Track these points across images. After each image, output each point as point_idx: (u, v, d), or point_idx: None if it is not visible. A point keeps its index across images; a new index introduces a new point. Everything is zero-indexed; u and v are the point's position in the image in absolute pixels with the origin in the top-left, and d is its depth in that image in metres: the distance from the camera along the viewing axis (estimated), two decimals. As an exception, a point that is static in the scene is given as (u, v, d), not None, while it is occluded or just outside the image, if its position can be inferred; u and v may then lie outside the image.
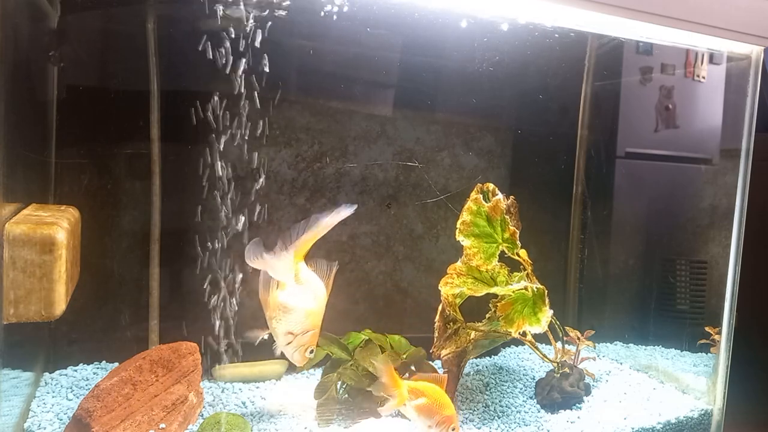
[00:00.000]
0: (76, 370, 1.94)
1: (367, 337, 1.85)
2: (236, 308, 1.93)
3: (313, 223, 1.56)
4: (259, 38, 1.75)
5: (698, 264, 2.51)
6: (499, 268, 1.93)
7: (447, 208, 2.29)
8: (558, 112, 2.57)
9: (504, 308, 1.88)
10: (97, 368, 1.96)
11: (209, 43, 1.73)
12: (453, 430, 1.54)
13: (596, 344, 2.22)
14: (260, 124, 1.97)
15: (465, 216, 1.94)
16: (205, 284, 1.90)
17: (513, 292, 1.86)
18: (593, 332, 2.15)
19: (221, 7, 1.70)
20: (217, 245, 1.89)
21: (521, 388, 2.10)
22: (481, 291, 1.82)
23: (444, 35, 2.11)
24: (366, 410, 1.76)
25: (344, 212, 1.58)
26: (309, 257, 1.64)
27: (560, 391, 1.97)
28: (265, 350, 2.00)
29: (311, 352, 1.61)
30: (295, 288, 1.59)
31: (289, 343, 1.59)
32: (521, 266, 1.95)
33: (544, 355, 2.04)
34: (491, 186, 1.95)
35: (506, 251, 1.94)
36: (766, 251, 2.41)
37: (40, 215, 1.45)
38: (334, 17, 1.98)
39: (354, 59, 2.16)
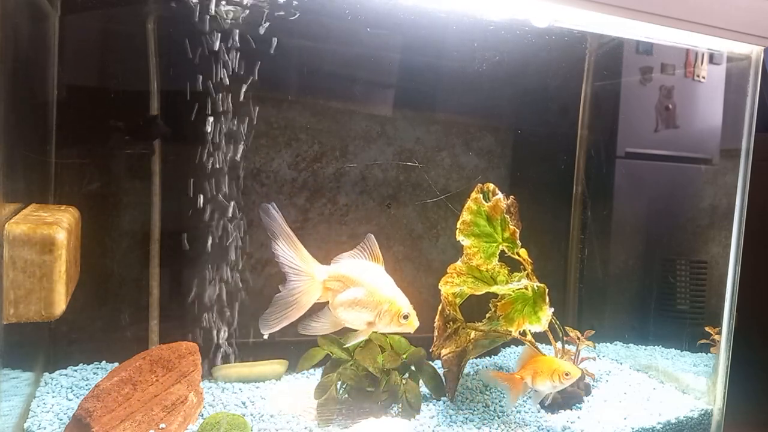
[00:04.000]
0: (76, 370, 1.94)
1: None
2: (237, 307, 1.93)
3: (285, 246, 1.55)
4: (257, 39, 1.75)
5: (698, 264, 2.51)
6: (499, 267, 1.93)
7: (447, 208, 2.29)
8: (558, 112, 2.57)
9: (504, 307, 1.88)
10: (97, 368, 1.96)
11: (209, 43, 1.73)
12: (567, 375, 1.75)
13: (596, 344, 2.22)
14: (260, 124, 1.97)
15: (465, 216, 1.94)
16: (206, 284, 1.90)
17: (513, 291, 1.86)
18: (593, 332, 2.15)
19: (222, 8, 1.70)
20: (216, 245, 1.89)
21: (521, 388, 2.10)
22: (482, 290, 1.82)
23: (444, 35, 2.11)
24: (366, 410, 1.76)
25: (271, 214, 1.55)
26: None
27: (560, 391, 1.97)
28: (266, 350, 2.01)
29: (405, 317, 1.56)
30: (333, 293, 1.58)
31: (377, 328, 1.58)
32: (521, 266, 1.95)
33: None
34: (491, 186, 1.95)
35: (506, 251, 1.94)
36: (766, 251, 2.41)
37: (40, 215, 1.45)
38: (335, 17, 1.99)
39: (354, 59, 2.16)
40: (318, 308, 1.63)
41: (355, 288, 1.57)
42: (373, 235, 1.65)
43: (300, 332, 1.61)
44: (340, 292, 1.57)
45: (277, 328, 1.54)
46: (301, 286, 1.55)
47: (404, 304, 1.59)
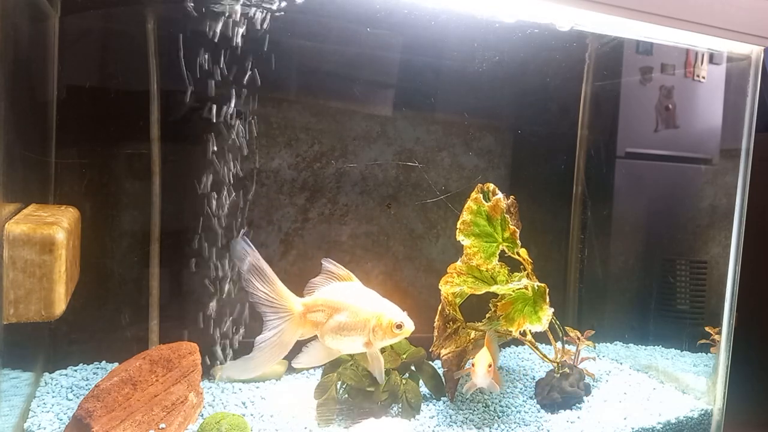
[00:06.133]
0: (76, 370, 1.94)
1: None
2: (237, 307, 1.93)
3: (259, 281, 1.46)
4: (257, 39, 1.75)
5: (698, 264, 2.51)
6: (499, 267, 1.93)
7: (447, 208, 2.29)
8: (558, 112, 2.57)
9: (505, 307, 1.88)
10: (97, 368, 1.96)
11: (209, 43, 1.73)
12: (490, 366, 1.71)
13: (596, 344, 2.22)
14: (260, 124, 1.97)
15: (465, 215, 1.94)
16: (206, 284, 1.90)
17: (513, 291, 1.86)
18: (593, 332, 2.15)
19: (222, 8, 1.70)
20: (216, 245, 1.89)
21: (521, 388, 2.10)
22: (482, 290, 1.82)
23: (444, 35, 2.11)
24: (366, 410, 1.76)
25: (242, 246, 1.45)
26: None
27: (560, 391, 1.97)
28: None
29: (399, 326, 1.50)
30: (316, 325, 1.51)
31: (376, 345, 1.52)
32: (521, 266, 1.95)
33: (544, 355, 2.04)
34: (491, 186, 1.95)
35: (506, 250, 1.94)
36: (766, 251, 2.41)
37: (40, 215, 1.45)
38: (335, 17, 1.99)
39: (354, 59, 2.16)
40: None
41: (337, 314, 1.50)
42: (329, 259, 1.58)
43: (294, 366, 1.56)
44: (324, 323, 1.51)
45: (259, 373, 1.49)
46: (282, 324, 1.48)
47: (393, 313, 1.52)
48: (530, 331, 1.81)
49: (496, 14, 1.83)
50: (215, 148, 1.86)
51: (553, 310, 1.78)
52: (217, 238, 1.90)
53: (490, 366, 1.70)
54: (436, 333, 1.94)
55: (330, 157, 2.17)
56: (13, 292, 1.30)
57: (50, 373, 1.90)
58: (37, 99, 1.80)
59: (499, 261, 1.94)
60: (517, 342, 2.48)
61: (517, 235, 1.91)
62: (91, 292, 1.88)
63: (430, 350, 1.94)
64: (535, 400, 2.01)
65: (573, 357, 2.09)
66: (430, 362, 1.96)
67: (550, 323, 1.82)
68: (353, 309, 1.51)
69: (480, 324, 1.94)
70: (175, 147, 1.93)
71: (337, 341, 1.51)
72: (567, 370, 2.04)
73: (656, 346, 2.56)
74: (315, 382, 1.81)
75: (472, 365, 1.71)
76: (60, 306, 1.36)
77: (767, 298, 2.50)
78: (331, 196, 2.19)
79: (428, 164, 2.31)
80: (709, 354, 2.23)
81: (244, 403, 1.83)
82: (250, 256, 1.45)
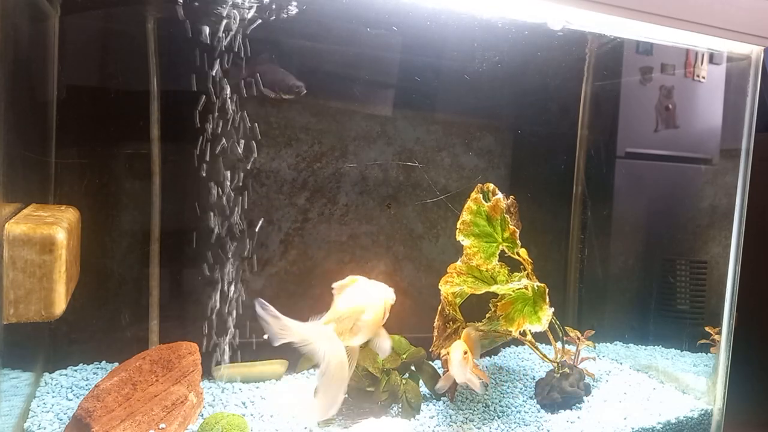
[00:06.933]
0: (76, 370, 1.94)
1: (367, 337, 1.84)
2: (237, 307, 1.93)
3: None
4: (258, 38, 1.75)
5: (698, 264, 2.51)
6: (499, 267, 1.93)
7: (447, 208, 2.29)
8: (558, 112, 2.57)
9: (504, 307, 1.88)
10: (97, 368, 1.96)
11: (208, 42, 1.73)
12: (466, 353, 1.68)
13: (596, 344, 2.22)
14: (260, 124, 1.97)
15: (465, 216, 1.94)
16: (206, 284, 1.90)
17: (513, 291, 1.86)
18: (593, 332, 2.15)
19: (221, 8, 1.70)
20: (216, 245, 1.89)
21: (521, 388, 2.10)
22: (481, 290, 1.82)
23: (444, 35, 2.11)
24: (366, 410, 1.76)
25: (263, 314, 1.43)
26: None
27: (560, 391, 1.97)
28: (266, 350, 2.01)
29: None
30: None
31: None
32: (521, 266, 1.95)
33: (544, 355, 2.04)
34: (491, 186, 1.95)
35: (506, 251, 1.94)
36: (766, 251, 2.41)
37: (40, 215, 1.45)
38: (335, 17, 1.99)
39: (354, 59, 2.16)
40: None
41: (363, 315, 1.57)
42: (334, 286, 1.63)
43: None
44: (353, 327, 1.56)
45: (339, 405, 1.52)
46: (325, 353, 1.49)
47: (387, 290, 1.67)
48: (530, 331, 1.81)
49: (497, 14, 1.83)
50: (215, 149, 1.85)
51: (553, 310, 1.78)
52: (216, 237, 1.90)
53: (465, 353, 1.65)
54: (436, 333, 1.94)
55: (330, 157, 2.17)
56: (13, 292, 1.30)
57: (50, 373, 1.90)
58: (37, 99, 1.80)
59: (499, 261, 1.94)
60: (517, 342, 2.48)
61: (517, 235, 1.91)
62: (91, 292, 1.88)
63: (430, 350, 1.94)
64: (535, 400, 2.01)
65: (573, 357, 2.10)
66: (430, 362, 1.96)
67: (550, 323, 1.82)
68: (371, 303, 1.59)
69: (480, 324, 1.94)
70: (175, 147, 1.92)
71: (367, 334, 1.58)
72: (567, 370, 2.04)
73: (656, 346, 2.56)
74: (315, 382, 1.81)
75: (447, 353, 1.70)
76: (60, 306, 1.36)
77: (767, 298, 2.50)
78: (331, 196, 2.19)
79: (428, 164, 2.31)
80: (709, 354, 2.23)
81: (244, 403, 1.83)
82: (268, 321, 1.43)
